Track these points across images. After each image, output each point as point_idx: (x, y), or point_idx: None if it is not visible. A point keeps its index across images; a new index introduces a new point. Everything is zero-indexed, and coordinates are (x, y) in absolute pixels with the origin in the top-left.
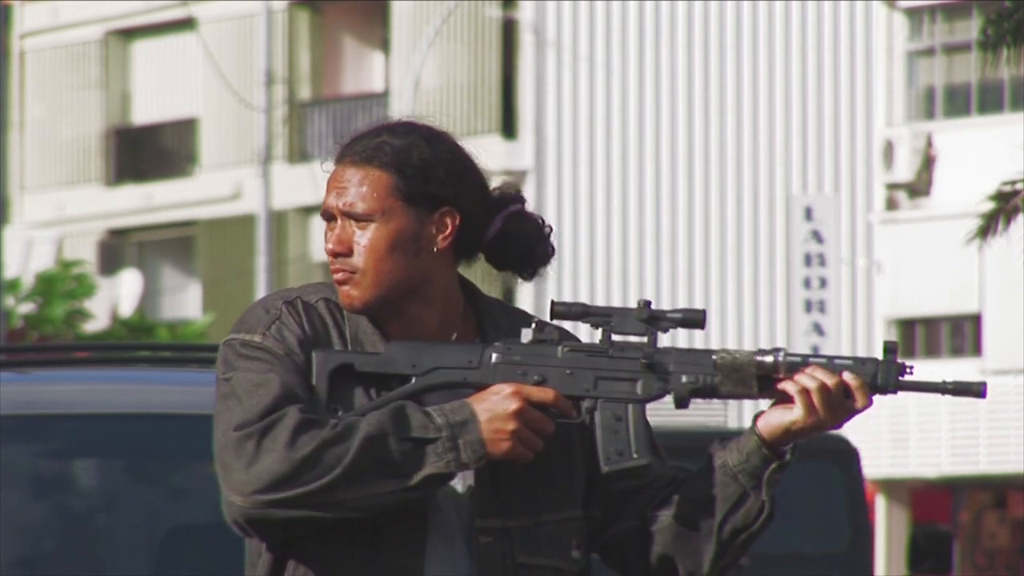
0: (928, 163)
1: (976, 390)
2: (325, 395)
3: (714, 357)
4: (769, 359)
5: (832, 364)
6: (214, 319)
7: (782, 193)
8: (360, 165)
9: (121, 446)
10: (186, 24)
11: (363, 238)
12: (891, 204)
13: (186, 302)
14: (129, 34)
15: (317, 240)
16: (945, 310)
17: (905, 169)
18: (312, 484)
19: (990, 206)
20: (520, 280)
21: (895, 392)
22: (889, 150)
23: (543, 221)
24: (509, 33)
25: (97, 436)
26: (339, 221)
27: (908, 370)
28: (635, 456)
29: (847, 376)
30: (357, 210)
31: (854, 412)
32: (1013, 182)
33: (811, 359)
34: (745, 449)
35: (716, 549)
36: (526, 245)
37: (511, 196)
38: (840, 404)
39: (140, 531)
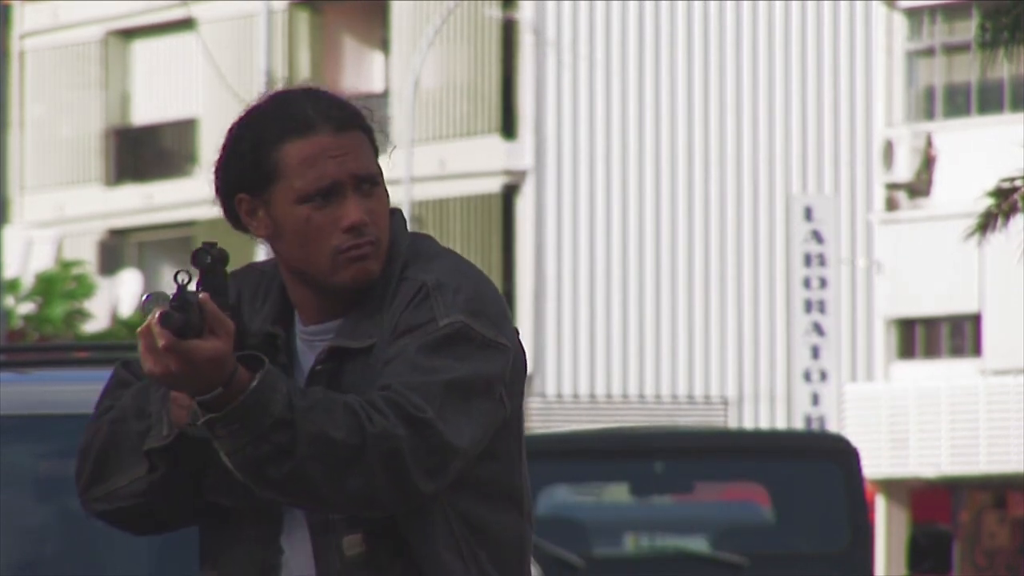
0: (928, 163)
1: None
2: None
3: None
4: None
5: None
6: None
7: (782, 193)
8: (345, 131)
9: None
10: (186, 24)
11: (374, 204)
12: (891, 204)
13: None
14: (129, 34)
15: None
16: (945, 310)
17: (905, 169)
18: (84, 476)
19: (989, 203)
20: None
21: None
22: (889, 150)
23: None
24: (509, 33)
25: None
26: (349, 193)
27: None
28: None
29: (153, 320)
30: (372, 171)
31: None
32: (1012, 179)
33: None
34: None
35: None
36: None
37: None
38: (169, 356)
39: None
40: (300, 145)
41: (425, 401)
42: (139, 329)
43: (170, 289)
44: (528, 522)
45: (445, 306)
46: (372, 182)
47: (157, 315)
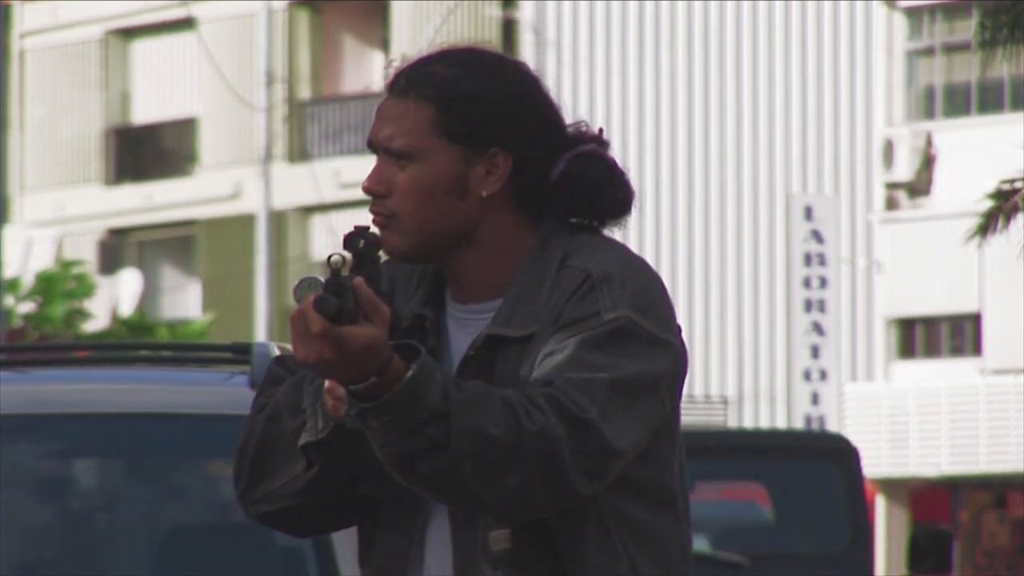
0: (928, 163)
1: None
2: None
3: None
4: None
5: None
6: (214, 318)
7: (782, 193)
8: (402, 97)
9: (121, 446)
10: (186, 24)
11: (402, 178)
12: (891, 204)
13: (186, 302)
14: (129, 34)
15: (317, 240)
16: (945, 310)
17: (905, 169)
18: (243, 477)
19: (989, 204)
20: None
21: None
22: (889, 150)
23: (615, 163)
24: (509, 33)
25: (97, 436)
26: (378, 158)
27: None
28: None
29: (306, 305)
30: (395, 145)
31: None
32: (1012, 180)
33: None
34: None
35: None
36: (591, 188)
37: (585, 136)
38: (311, 339)
39: (140, 531)
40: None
41: (588, 400)
42: (292, 315)
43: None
44: (686, 525)
45: (611, 299)
46: (402, 156)
47: (311, 300)
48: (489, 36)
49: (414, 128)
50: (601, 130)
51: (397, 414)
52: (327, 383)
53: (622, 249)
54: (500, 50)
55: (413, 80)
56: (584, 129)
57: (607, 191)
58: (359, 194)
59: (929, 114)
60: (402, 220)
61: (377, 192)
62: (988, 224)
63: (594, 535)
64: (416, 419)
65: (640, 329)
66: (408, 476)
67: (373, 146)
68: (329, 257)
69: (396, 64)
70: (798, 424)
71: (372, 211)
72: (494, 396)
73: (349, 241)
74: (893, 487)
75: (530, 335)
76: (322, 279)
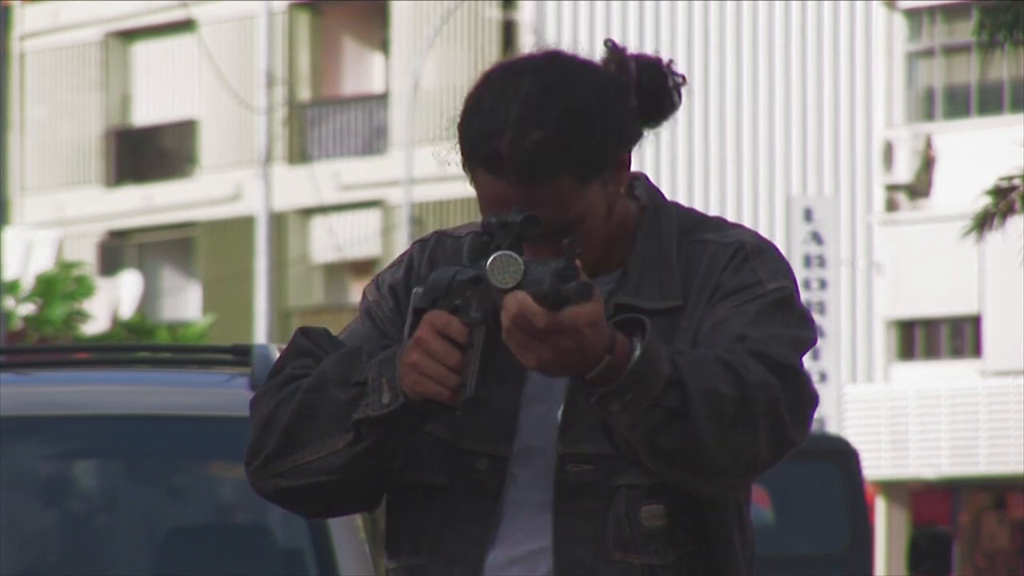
0: (928, 164)
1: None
2: (408, 332)
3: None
4: (472, 273)
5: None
6: (214, 320)
7: (782, 194)
8: (536, 184)
9: (121, 447)
10: (186, 25)
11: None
12: (891, 205)
13: (186, 303)
14: (129, 36)
15: (317, 241)
16: (945, 311)
17: (905, 170)
18: (267, 448)
19: (986, 201)
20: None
21: (567, 304)
22: (889, 151)
23: (660, 62)
24: (509, 34)
25: (97, 437)
26: (535, 241)
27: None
28: (465, 387)
29: (507, 301)
30: (563, 222)
31: (558, 344)
32: (1010, 178)
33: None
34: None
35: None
36: (658, 98)
37: (619, 54)
38: (552, 337)
39: (140, 532)
40: (488, 179)
41: (785, 350)
42: (508, 326)
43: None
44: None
45: (770, 270)
46: (566, 229)
47: (523, 297)
48: (489, 37)
49: (568, 202)
50: (615, 44)
51: (637, 391)
52: (411, 356)
53: (744, 227)
54: (499, 50)
55: (535, 163)
56: (605, 57)
57: (667, 99)
58: (359, 195)
59: (929, 116)
60: (588, 258)
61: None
62: (984, 222)
63: (735, 512)
64: (655, 390)
65: (797, 302)
66: (649, 453)
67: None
68: (566, 242)
69: (483, 138)
70: None
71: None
72: (707, 355)
73: (527, 222)
74: (893, 489)
75: (671, 308)
76: (517, 256)
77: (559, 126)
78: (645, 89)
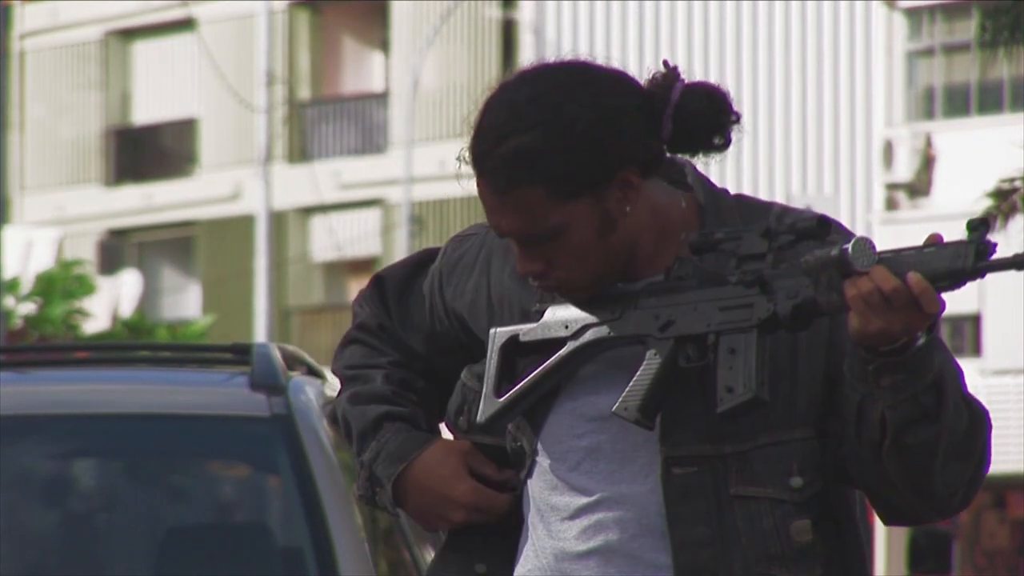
0: (928, 163)
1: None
2: (496, 373)
3: (801, 261)
4: (836, 252)
5: (901, 259)
6: (214, 319)
7: (782, 193)
8: (504, 192)
9: (121, 446)
10: (186, 24)
11: (553, 252)
12: (891, 204)
13: (186, 302)
14: (129, 34)
15: (317, 240)
16: (945, 311)
17: (905, 169)
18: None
19: (987, 204)
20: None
21: (977, 278)
22: (889, 150)
23: (713, 88)
24: (509, 33)
25: (97, 436)
26: (519, 244)
27: (992, 248)
28: (742, 391)
29: (911, 278)
30: (528, 234)
31: (929, 315)
32: (1011, 179)
33: (883, 254)
34: (849, 354)
35: (867, 460)
36: (705, 126)
37: (668, 77)
38: (904, 308)
39: (140, 531)
40: (478, 183)
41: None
42: (884, 290)
43: None
44: None
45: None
46: (545, 237)
47: (923, 282)
48: (489, 36)
49: (538, 214)
50: (674, 66)
51: (914, 373)
52: (438, 490)
53: (806, 211)
54: (498, 50)
55: (502, 171)
56: (653, 75)
57: (717, 124)
58: (359, 194)
59: (929, 115)
60: (574, 282)
61: (540, 273)
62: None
63: (863, 527)
64: (921, 384)
65: None
66: (892, 447)
67: (503, 234)
68: (978, 220)
69: (465, 147)
70: None
71: (541, 287)
72: (957, 373)
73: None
74: None
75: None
76: (871, 241)
77: (533, 137)
78: (681, 116)
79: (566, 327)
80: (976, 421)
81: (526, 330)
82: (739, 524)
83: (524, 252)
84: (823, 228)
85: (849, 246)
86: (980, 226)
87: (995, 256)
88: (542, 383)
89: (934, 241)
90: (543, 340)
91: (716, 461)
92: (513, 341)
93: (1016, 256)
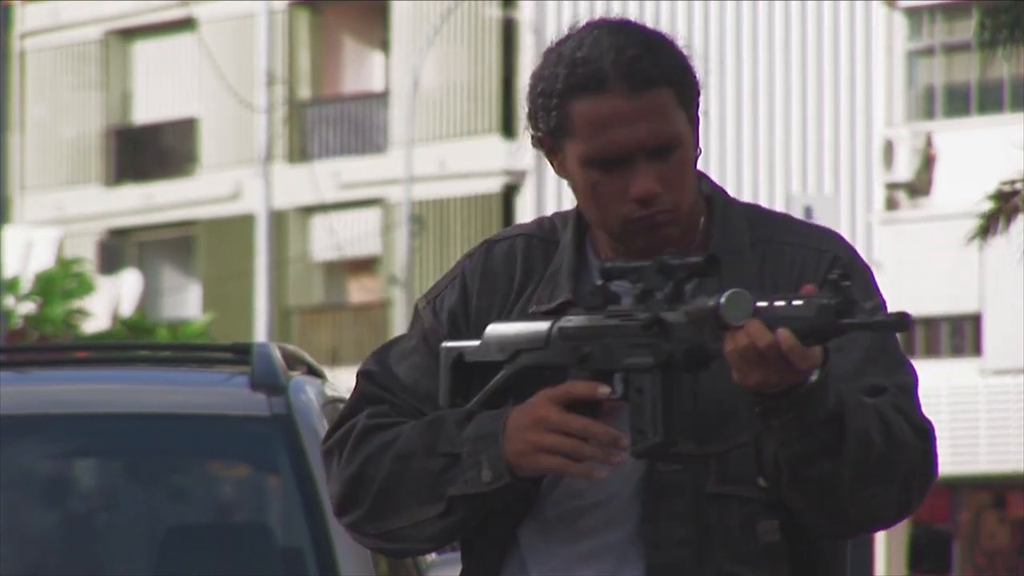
0: (928, 163)
1: (895, 321)
2: (448, 391)
3: (686, 309)
4: (712, 303)
5: (774, 313)
6: (214, 319)
7: (782, 193)
8: (643, 91)
9: (121, 446)
10: (186, 24)
11: (669, 171)
12: (891, 204)
13: (186, 302)
14: (129, 34)
15: (317, 240)
16: (945, 310)
17: (905, 169)
18: (358, 509)
19: (989, 205)
20: None
21: (836, 335)
22: (889, 150)
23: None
24: (509, 33)
25: (97, 436)
26: (640, 162)
27: (853, 308)
28: (651, 435)
29: (781, 335)
30: (660, 140)
31: (802, 371)
32: (1012, 181)
33: (758, 307)
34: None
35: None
36: None
37: None
38: (777, 362)
39: (140, 531)
40: (590, 105)
41: (915, 409)
42: (753, 348)
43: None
44: None
45: (866, 291)
46: (669, 148)
47: (784, 335)
48: (489, 36)
49: (670, 117)
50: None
51: (804, 413)
52: (530, 436)
53: (814, 225)
54: (498, 50)
55: (638, 68)
56: None
57: None
58: (359, 194)
59: (929, 114)
60: (680, 208)
61: (659, 192)
62: (988, 226)
63: (842, 546)
64: (815, 419)
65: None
66: (789, 480)
67: (629, 151)
68: (838, 275)
69: (581, 65)
70: None
71: (653, 212)
72: (866, 402)
73: (707, 264)
74: None
75: None
76: (747, 293)
77: (650, 44)
78: None
79: (501, 350)
80: (894, 444)
81: (471, 350)
82: (712, 523)
83: (644, 170)
84: (712, 266)
85: (723, 299)
86: (836, 282)
87: (894, 310)
88: (488, 406)
89: (805, 293)
90: (484, 362)
91: (699, 460)
92: (461, 359)
93: (874, 321)
